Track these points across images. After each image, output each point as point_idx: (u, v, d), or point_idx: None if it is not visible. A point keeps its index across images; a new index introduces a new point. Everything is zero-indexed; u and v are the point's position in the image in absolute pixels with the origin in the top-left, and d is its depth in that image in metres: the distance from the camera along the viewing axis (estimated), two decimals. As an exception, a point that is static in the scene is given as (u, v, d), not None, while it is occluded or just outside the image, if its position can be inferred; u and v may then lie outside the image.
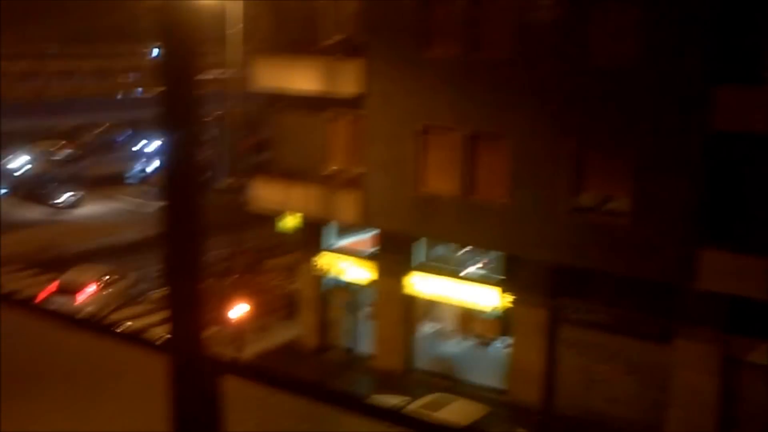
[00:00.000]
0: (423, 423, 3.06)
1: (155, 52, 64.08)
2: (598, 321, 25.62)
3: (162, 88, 3.31)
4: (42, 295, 33.23)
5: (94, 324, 4.07)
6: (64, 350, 4.16)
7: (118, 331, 3.95)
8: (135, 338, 3.85)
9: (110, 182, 60.69)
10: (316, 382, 3.41)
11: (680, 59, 22.36)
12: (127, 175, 62.94)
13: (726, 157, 22.49)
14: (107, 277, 35.97)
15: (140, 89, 57.36)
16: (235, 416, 3.49)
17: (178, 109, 3.34)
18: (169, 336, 3.56)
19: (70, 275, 35.43)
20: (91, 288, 34.70)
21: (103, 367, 4.04)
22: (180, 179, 3.38)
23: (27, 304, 4.32)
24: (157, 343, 3.76)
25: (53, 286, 34.63)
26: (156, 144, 68.95)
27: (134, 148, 67.60)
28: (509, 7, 24.81)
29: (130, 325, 4.03)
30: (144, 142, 68.23)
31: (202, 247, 3.46)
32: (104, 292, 35.11)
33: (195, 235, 3.42)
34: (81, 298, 34.14)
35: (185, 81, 3.36)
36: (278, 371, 3.44)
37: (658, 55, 22.65)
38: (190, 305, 3.46)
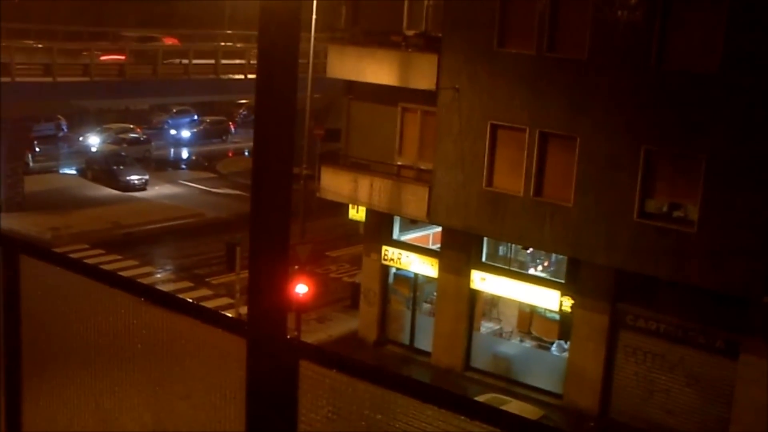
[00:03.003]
0: (500, 414, 3.04)
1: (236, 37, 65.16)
2: (661, 330, 25.32)
3: (260, 74, 3.35)
4: None
5: (174, 300, 4.11)
6: (143, 325, 4.22)
7: (197, 308, 3.99)
8: (213, 317, 3.88)
9: (172, 165, 61.53)
10: (391, 371, 3.40)
11: (763, 66, 22.00)
12: (187, 158, 63.74)
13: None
14: None
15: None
16: (309, 400, 3.51)
17: (274, 95, 3.38)
18: (248, 317, 3.59)
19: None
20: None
21: (181, 344, 4.09)
22: (271, 164, 3.42)
23: (111, 278, 4.39)
24: (236, 324, 3.79)
25: None
26: (221, 128, 69.92)
27: (194, 132, 68.35)
28: (588, 6, 24.60)
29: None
30: (205, 126, 69.02)
31: (287, 232, 3.49)
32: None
33: (281, 219, 3.46)
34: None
35: (283, 68, 3.39)
36: (354, 358, 3.45)
37: (741, 61, 22.30)
38: (272, 288, 3.50)
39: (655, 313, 25.32)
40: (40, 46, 51.23)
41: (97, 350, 4.50)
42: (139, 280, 5.41)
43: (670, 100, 23.60)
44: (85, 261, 4.93)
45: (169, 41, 60.10)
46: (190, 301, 4.11)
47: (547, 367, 28.04)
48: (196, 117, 70.27)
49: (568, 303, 26.85)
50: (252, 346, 3.55)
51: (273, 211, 3.44)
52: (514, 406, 24.35)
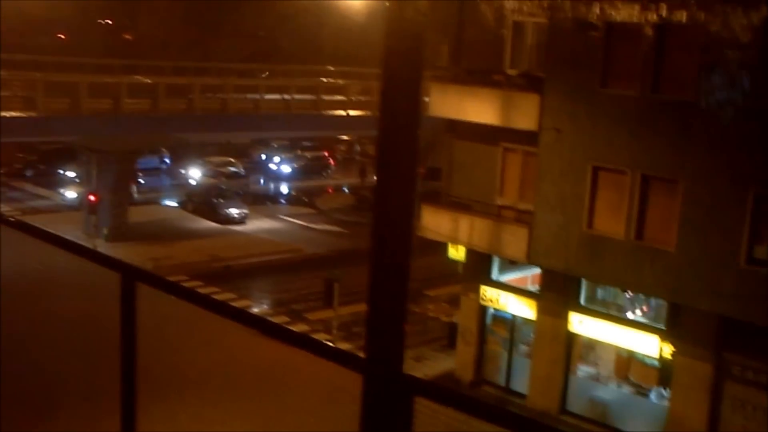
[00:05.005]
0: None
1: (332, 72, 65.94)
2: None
3: (380, 112, 3.35)
4: None
5: (288, 333, 4.12)
6: (256, 356, 4.23)
7: (308, 340, 3.99)
8: (328, 350, 3.87)
9: (272, 200, 62.26)
10: (507, 408, 3.33)
11: None
12: (286, 193, 64.42)
13: None
14: None
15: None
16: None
17: (397, 134, 3.37)
18: (365, 351, 3.57)
19: None
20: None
21: (294, 376, 4.09)
22: (393, 200, 3.41)
23: (232, 311, 4.43)
24: (352, 358, 3.77)
25: None
26: (321, 164, 70.53)
27: (294, 167, 69.06)
28: (695, 47, 24.24)
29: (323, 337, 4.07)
30: (306, 161, 69.69)
31: (407, 267, 3.47)
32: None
33: (402, 255, 3.44)
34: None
35: (405, 103, 3.39)
36: (471, 396, 3.40)
37: None
38: (391, 324, 3.47)
39: (765, 365, 24.55)
40: (148, 81, 52.60)
41: (210, 379, 4.54)
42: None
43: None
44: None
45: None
46: (305, 333, 4.12)
47: (646, 414, 27.45)
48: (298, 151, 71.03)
49: (668, 349, 26.30)
50: (368, 381, 3.52)
51: (394, 246, 3.43)
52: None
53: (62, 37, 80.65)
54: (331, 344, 3.96)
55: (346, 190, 64.67)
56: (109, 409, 5.09)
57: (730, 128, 23.75)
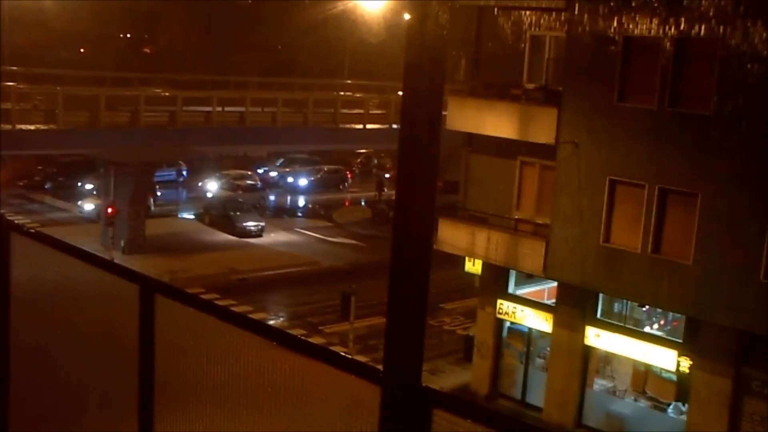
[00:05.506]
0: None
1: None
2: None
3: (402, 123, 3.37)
4: None
5: (306, 345, 4.13)
6: (274, 368, 4.24)
7: (326, 352, 4.00)
8: (346, 363, 3.88)
9: (289, 213, 62.34)
10: (524, 421, 3.34)
11: None
12: (303, 206, 64.44)
13: None
14: None
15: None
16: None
17: (417, 148, 3.40)
18: (383, 364, 3.57)
19: None
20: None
21: (311, 389, 4.09)
22: (413, 213, 3.42)
23: (242, 320, 4.45)
24: (370, 370, 3.77)
25: None
26: (338, 177, 70.59)
27: (311, 180, 69.11)
28: (713, 60, 24.19)
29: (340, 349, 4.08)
30: (323, 174, 69.75)
31: (427, 280, 3.48)
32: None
33: (421, 268, 3.45)
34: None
35: (425, 117, 3.42)
36: (489, 408, 3.40)
37: None
38: (410, 336, 3.48)
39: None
40: (166, 94, 52.90)
41: (227, 391, 4.56)
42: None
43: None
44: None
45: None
46: (323, 345, 4.13)
47: (664, 429, 27.30)
48: (313, 165, 71.10)
49: (686, 363, 26.17)
50: (386, 393, 3.53)
51: (413, 259, 3.44)
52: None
53: (83, 50, 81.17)
54: (348, 356, 3.97)
55: (363, 204, 64.72)
56: (127, 418, 5.12)
57: (748, 141, 23.68)
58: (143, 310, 4.91)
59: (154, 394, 4.96)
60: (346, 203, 66.13)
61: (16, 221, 6.82)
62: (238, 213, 54.14)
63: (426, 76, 3.41)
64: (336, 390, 3.92)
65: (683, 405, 26.74)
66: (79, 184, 60.70)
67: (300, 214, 62.42)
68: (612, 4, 25.99)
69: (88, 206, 55.19)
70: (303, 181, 68.59)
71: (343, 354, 4.02)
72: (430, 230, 3.45)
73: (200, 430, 4.73)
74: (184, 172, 65.65)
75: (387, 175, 69.33)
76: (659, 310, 27.73)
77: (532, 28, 28.79)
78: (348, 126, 55.28)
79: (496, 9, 29.59)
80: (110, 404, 5.58)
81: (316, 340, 34.71)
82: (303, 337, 4.40)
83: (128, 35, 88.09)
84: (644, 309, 28.13)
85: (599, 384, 29.14)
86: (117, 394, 5.38)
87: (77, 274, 5.58)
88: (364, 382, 3.72)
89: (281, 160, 71.45)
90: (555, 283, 29.21)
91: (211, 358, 4.62)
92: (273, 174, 69.75)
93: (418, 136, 3.41)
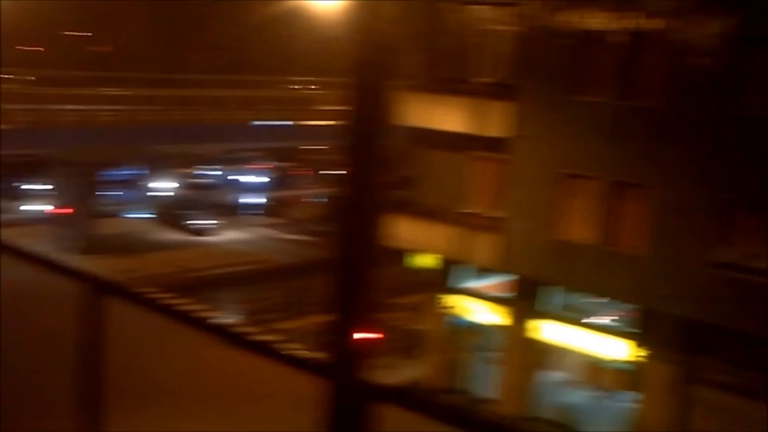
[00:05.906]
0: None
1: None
2: (737, 384, 24.69)
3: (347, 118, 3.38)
4: None
5: (254, 343, 4.14)
6: (225, 367, 4.25)
7: (272, 349, 4.01)
8: (294, 359, 3.89)
9: (242, 210, 62.04)
10: (471, 412, 3.36)
11: None
12: (258, 204, 64.15)
13: None
14: None
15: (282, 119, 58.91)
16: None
17: (362, 138, 3.41)
18: (329, 359, 3.59)
19: None
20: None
21: (260, 385, 4.10)
22: (357, 204, 3.44)
23: (190, 317, 4.44)
24: (317, 366, 3.78)
25: None
26: (292, 175, 70.37)
27: (263, 178, 68.88)
28: (665, 53, 24.41)
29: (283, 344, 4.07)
30: (275, 173, 69.51)
31: (371, 274, 3.50)
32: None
33: (368, 261, 3.47)
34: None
35: (371, 111, 3.43)
36: (436, 401, 3.42)
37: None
38: (354, 331, 3.50)
39: (731, 367, 24.70)
40: (124, 93, 52.56)
41: (178, 391, 4.55)
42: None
43: (748, 148, 23.24)
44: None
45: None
46: (271, 342, 4.13)
47: (614, 418, 27.54)
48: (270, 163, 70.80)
49: (638, 354, 26.42)
50: (332, 388, 3.55)
51: (357, 254, 3.46)
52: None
53: (41, 49, 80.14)
54: (295, 352, 3.97)
55: (318, 200, 64.64)
56: (77, 418, 5.08)
57: (699, 133, 23.94)
58: (93, 309, 4.87)
59: (101, 395, 4.92)
60: (301, 200, 66.01)
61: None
62: (192, 211, 53.86)
63: (372, 70, 3.42)
64: (284, 386, 3.94)
65: (635, 394, 26.97)
66: (30, 185, 59.86)
67: (255, 212, 62.17)
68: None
69: (39, 207, 54.52)
70: (258, 179, 68.31)
71: (292, 350, 4.03)
72: (375, 225, 3.47)
73: (151, 430, 4.72)
74: (139, 172, 65.05)
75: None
76: (613, 302, 27.92)
77: (487, 23, 28.84)
78: (303, 123, 55.22)
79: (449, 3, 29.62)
80: (60, 406, 5.53)
81: (268, 337, 34.52)
82: (254, 335, 4.41)
83: (89, 33, 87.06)
84: (598, 300, 28.32)
85: (552, 376, 29.30)
86: (65, 396, 5.34)
87: (26, 276, 5.53)
88: (312, 377, 3.73)
89: (236, 158, 71.12)
90: (509, 277, 29.30)
91: (163, 359, 4.62)
92: (228, 172, 69.40)
93: (361, 131, 3.42)
